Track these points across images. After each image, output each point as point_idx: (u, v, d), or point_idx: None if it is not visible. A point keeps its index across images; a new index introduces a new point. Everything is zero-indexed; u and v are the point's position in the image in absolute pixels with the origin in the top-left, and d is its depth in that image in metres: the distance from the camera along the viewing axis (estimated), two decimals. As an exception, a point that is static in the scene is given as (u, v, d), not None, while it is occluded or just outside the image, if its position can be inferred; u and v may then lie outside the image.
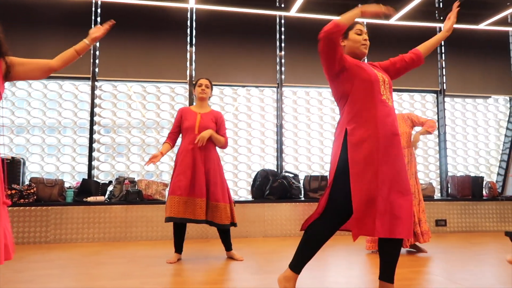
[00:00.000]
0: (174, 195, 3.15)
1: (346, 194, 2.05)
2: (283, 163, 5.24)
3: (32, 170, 4.76)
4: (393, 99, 2.26)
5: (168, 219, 3.13)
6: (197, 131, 3.24)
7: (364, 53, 2.28)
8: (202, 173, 3.19)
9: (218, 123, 3.35)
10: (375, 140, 2.07)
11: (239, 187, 5.16)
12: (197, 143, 3.19)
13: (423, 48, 2.41)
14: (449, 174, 5.58)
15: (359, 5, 2.11)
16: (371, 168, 2.03)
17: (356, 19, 2.19)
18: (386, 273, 2.12)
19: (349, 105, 2.14)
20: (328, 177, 2.17)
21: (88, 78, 4.88)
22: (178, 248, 3.32)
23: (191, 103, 5.03)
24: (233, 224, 3.27)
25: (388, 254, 2.12)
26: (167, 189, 4.54)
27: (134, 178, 4.68)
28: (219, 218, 3.18)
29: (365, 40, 2.26)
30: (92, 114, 4.85)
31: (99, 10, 4.98)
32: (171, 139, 3.36)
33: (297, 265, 2.12)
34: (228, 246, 3.38)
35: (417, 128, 3.89)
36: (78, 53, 2.10)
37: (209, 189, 3.20)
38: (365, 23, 4.81)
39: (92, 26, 4.93)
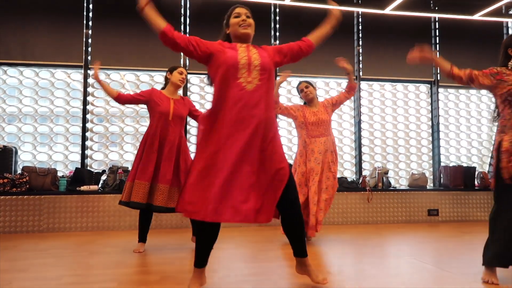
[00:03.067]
0: (141, 180, 3.17)
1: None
2: (277, 153, 5.23)
3: (24, 159, 4.72)
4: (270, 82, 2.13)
5: (133, 204, 3.13)
6: (171, 117, 3.25)
7: (245, 33, 2.16)
8: (172, 159, 3.20)
9: (190, 107, 3.41)
10: (221, 124, 2.03)
11: (233, 176, 5.16)
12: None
13: (314, 37, 2.29)
14: (442, 164, 5.63)
15: None
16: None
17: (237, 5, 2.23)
18: (297, 249, 2.20)
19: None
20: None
21: (80, 66, 4.83)
22: (144, 237, 3.33)
23: (185, 93, 5.01)
24: None
25: (290, 231, 2.19)
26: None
27: (127, 168, 4.66)
28: None
29: (243, 20, 2.16)
30: (84, 103, 4.81)
31: (91, -3, 4.90)
32: (125, 97, 3.29)
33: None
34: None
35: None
36: None
37: (179, 175, 3.23)
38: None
39: (84, 13, 4.86)
